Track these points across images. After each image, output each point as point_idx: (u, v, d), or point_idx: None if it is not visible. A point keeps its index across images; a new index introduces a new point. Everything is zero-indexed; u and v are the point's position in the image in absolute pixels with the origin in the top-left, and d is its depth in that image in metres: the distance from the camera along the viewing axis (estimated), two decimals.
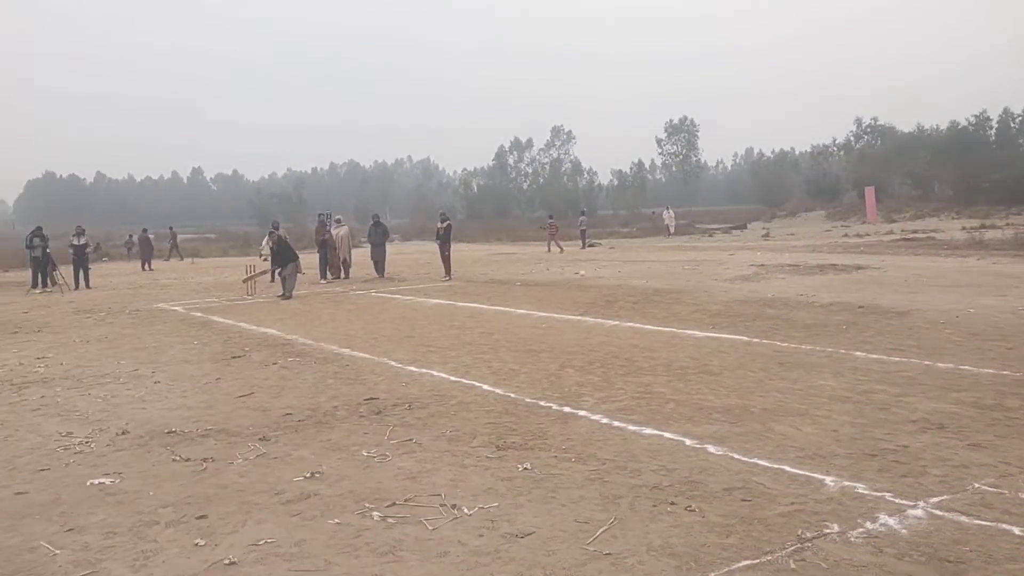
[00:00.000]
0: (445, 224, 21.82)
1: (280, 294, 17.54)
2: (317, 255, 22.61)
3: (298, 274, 18.22)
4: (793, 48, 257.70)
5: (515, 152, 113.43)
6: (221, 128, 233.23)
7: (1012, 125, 70.19)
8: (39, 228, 22.89)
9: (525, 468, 5.15)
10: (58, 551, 4.09)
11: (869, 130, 78.96)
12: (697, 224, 57.52)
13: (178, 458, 5.69)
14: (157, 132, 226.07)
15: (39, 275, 22.19)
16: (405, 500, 4.65)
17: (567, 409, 6.68)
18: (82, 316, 15.16)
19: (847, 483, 4.63)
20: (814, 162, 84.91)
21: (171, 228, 41.90)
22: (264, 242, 25.74)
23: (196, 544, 4.11)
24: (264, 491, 4.92)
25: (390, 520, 4.35)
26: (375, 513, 4.45)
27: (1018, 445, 5.22)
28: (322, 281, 21.25)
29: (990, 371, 7.50)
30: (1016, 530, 3.87)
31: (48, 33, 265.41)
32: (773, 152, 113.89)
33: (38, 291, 21.55)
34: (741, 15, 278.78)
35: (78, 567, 3.90)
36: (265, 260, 21.88)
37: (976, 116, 68.48)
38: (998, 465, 4.85)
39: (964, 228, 33.08)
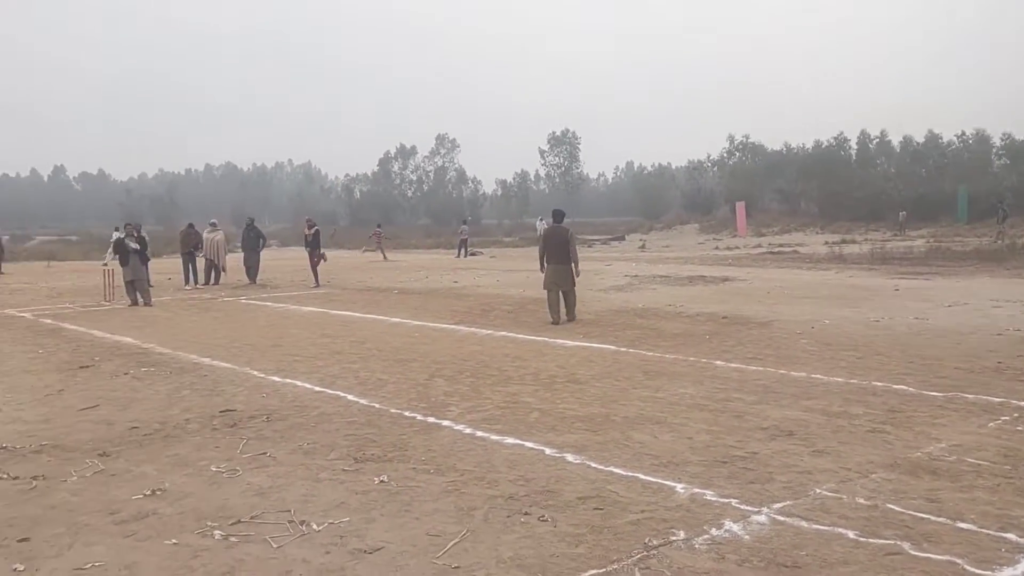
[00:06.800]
0: (313, 230, 21.15)
1: (129, 303, 16.22)
2: (181, 260, 21.60)
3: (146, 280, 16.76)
4: (672, 65, 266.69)
5: (400, 159, 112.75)
6: (80, 126, 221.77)
7: (869, 146, 74.88)
8: None
9: (382, 481, 5.01)
10: None
11: (741, 147, 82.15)
12: (578, 235, 58.05)
13: (4, 476, 5.26)
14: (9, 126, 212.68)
15: None
16: (251, 517, 4.42)
17: (432, 420, 6.57)
18: None
19: (697, 490, 4.71)
20: (690, 177, 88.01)
21: None
22: (109, 251, 24.34)
23: (15, 570, 3.79)
24: (98, 510, 4.59)
25: (232, 539, 4.13)
26: (217, 532, 4.22)
27: (859, 451, 5.46)
28: (187, 287, 20.35)
29: (839, 379, 7.86)
30: (850, 534, 4.02)
31: None
32: (653, 166, 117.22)
33: None
34: (620, 36, 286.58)
35: None
36: (106, 267, 20.62)
37: (835, 137, 72.77)
38: (839, 471, 5.05)
39: (827, 243, 35.01)
